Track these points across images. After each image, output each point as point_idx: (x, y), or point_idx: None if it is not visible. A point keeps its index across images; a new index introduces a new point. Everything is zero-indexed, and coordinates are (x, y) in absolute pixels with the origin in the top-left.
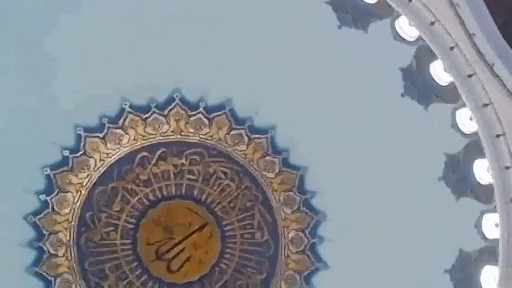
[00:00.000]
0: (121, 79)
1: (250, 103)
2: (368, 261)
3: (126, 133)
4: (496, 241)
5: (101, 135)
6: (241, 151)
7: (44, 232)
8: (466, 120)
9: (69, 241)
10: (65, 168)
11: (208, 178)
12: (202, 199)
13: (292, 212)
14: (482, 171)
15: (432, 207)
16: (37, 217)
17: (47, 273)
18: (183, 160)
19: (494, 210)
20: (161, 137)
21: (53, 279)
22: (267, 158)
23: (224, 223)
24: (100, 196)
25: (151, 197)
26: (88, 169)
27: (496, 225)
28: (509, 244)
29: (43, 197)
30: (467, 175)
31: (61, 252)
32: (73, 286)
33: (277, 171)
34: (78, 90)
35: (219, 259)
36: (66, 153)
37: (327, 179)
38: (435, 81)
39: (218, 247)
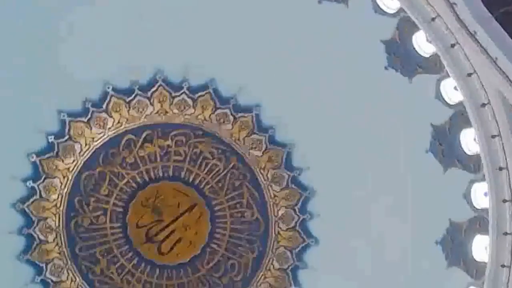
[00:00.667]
0: (103, 63)
1: (234, 82)
2: (359, 235)
3: (111, 117)
4: (485, 210)
5: (85, 120)
6: (227, 130)
7: (33, 218)
8: (451, 90)
9: (58, 226)
10: (51, 154)
11: (195, 158)
12: (190, 180)
13: (280, 190)
14: (469, 140)
15: (420, 179)
16: (25, 204)
17: (38, 260)
18: (169, 142)
19: (482, 179)
20: (145, 119)
21: (44, 265)
22: (253, 136)
23: (213, 203)
24: (87, 180)
25: (138, 180)
26: (74, 154)
27: (485, 194)
28: (499, 213)
29: (30, 183)
30: (454, 145)
31: (51, 238)
32: (65, 271)
33: (263, 149)
34: (61, 75)
35: (210, 239)
36: (51, 138)
37: (314, 154)
38: (418, 53)
39: (208, 228)
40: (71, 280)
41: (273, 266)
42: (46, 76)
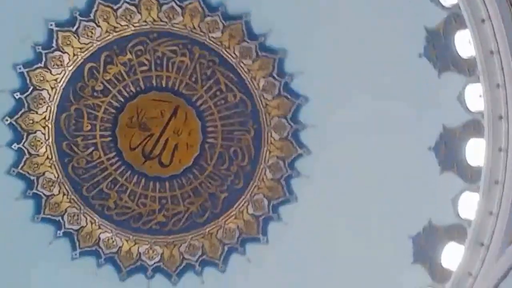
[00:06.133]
0: None
1: None
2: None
3: (64, 53)
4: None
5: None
6: (178, 23)
7: (32, 177)
8: None
9: (58, 177)
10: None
11: (160, 62)
12: (163, 85)
13: (252, 62)
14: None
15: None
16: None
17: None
18: (129, 56)
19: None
20: (98, 42)
21: (60, 218)
22: (207, 19)
23: (193, 99)
24: (67, 122)
25: (114, 103)
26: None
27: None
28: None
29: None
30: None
31: (55, 190)
32: (81, 216)
33: (221, 28)
34: None
35: (204, 135)
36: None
37: (273, 18)
38: None
39: (198, 125)
40: (91, 223)
41: (274, 138)
42: None
